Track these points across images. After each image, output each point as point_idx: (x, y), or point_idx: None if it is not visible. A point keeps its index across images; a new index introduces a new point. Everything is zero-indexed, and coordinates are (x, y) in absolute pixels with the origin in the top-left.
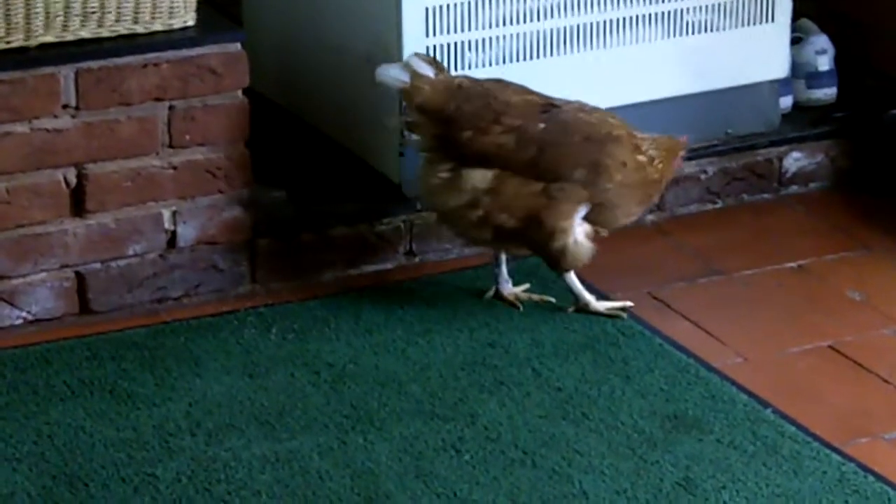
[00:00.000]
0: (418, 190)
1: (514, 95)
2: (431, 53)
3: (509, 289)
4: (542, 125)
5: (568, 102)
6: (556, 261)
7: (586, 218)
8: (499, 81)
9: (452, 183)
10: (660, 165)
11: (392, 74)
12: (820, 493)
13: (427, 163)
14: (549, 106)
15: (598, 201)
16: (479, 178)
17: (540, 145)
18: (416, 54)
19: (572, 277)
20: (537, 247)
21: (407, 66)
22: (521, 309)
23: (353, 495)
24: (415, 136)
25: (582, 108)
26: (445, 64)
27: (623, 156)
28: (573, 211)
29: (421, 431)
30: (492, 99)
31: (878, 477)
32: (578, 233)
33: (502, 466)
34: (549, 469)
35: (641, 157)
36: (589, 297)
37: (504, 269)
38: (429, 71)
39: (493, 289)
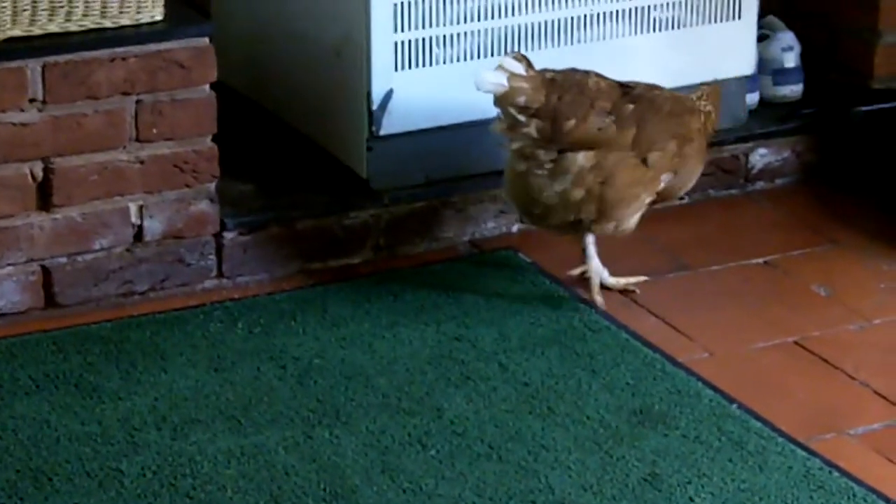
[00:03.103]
0: (511, 192)
1: (600, 81)
2: (399, 49)
3: (613, 280)
4: (630, 105)
5: (630, 83)
6: (616, 226)
7: (663, 189)
8: (575, 70)
9: (557, 168)
10: (714, 116)
11: (492, 80)
12: (785, 489)
13: (526, 159)
14: (624, 87)
15: (678, 170)
16: (583, 158)
17: (638, 124)
18: (507, 55)
19: (593, 240)
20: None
21: (502, 69)
22: (638, 292)
23: (318, 490)
24: (516, 137)
25: (648, 87)
26: (412, 60)
27: (696, 123)
28: (661, 178)
29: (387, 426)
30: (584, 87)
31: (843, 473)
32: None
33: (468, 461)
34: (516, 463)
35: (703, 118)
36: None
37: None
38: (521, 69)
39: (598, 284)
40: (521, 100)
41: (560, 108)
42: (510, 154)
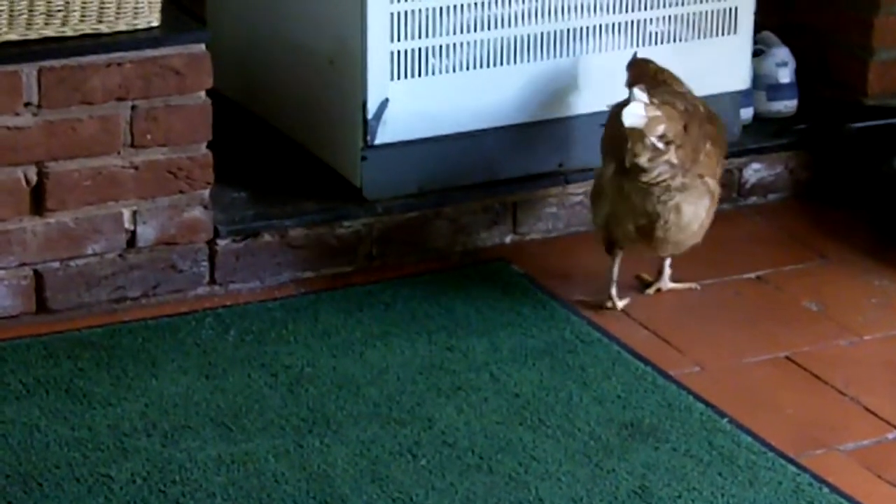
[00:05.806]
0: (631, 218)
1: (700, 105)
2: (395, 58)
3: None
4: (710, 126)
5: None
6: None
7: None
8: (680, 94)
9: (701, 192)
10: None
11: (637, 113)
12: None
13: (667, 189)
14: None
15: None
16: (712, 183)
17: (722, 151)
18: (637, 86)
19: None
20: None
21: (638, 101)
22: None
23: (308, 498)
24: (655, 166)
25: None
26: (408, 70)
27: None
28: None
29: (377, 435)
30: (700, 114)
31: (833, 488)
32: None
33: (458, 472)
34: (506, 475)
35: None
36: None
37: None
38: (646, 98)
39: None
40: (661, 128)
41: (700, 137)
42: (632, 183)
